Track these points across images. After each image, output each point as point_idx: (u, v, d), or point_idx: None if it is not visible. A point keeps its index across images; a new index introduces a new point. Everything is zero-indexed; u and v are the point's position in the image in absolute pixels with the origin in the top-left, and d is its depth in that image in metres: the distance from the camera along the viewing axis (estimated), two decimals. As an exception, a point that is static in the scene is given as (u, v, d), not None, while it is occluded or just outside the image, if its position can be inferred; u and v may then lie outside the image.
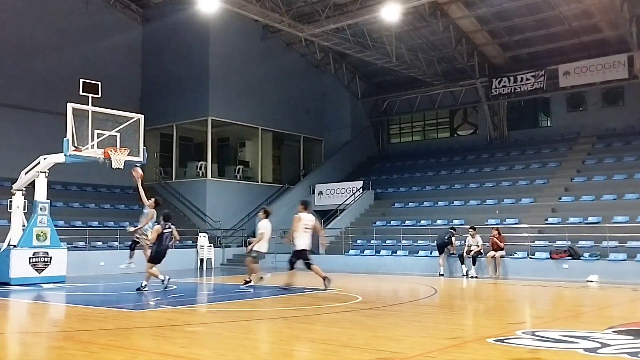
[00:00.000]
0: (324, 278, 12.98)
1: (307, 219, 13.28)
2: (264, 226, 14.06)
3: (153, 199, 14.43)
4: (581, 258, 17.50)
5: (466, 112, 30.53)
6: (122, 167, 15.38)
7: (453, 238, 19.13)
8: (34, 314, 11.42)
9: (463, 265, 18.58)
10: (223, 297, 13.70)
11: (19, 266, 15.57)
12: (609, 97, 26.51)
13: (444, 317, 10.12)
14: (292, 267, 13.37)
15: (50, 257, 16.11)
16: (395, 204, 25.50)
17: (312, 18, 23.70)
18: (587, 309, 11.68)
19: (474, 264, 18.41)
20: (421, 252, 20.87)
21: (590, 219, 19.08)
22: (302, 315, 9.89)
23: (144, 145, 16.25)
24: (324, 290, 12.80)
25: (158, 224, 13.39)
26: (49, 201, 16.52)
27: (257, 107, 27.85)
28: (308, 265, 13.16)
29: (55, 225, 16.73)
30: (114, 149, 15.21)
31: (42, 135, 21.15)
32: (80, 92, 15.07)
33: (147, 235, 14.21)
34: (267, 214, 14.31)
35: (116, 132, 15.50)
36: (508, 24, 24.86)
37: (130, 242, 15.27)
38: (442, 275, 18.67)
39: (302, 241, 13.16)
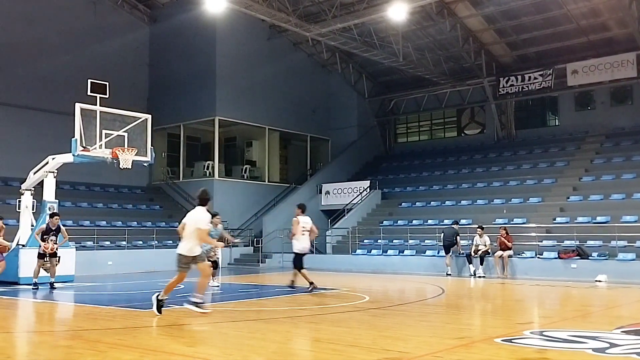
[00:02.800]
0: (311, 283, 13.20)
1: (304, 222, 13.55)
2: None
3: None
4: (589, 258, 17.43)
5: (473, 112, 30.44)
6: (129, 167, 15.45)
7: (458, 237, 19.10)
8: (42, 313, 11.47)
9: (470, 265, 18.53)
10: (230, 297, 13.72)
11: (28, 266, 15.64)
12: (617, 96, 26.36)
13: (452, 317, 10.10)
14: (299, 268, 13.50)
15: (59, 257, 16.15)
16: (402, 204, 25.46)
17: (318, 17, 23.70)
18: (596, 309, 11.62)
19: (481, 264, 18.36)
20: (428, 252, 20.86)
21: (599, 219, 18.99)
22: (309, 315, 9.90)
23: (152, 145, 16.35)
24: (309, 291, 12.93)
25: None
26: (57, 201, 16.63)
27: (263, 106, 27.88)
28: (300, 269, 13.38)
29: (64, 225, 16.75)
30: (121, 149, 15.27)
31: (50, 136, 21.25)
32: (88, 93, 15.16)
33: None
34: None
35: (124, 132, 15.57)
36: (515, 22, 24.75)
37: None
38: (450, 275, 18.63)
39: (301, 244, 13.43)
